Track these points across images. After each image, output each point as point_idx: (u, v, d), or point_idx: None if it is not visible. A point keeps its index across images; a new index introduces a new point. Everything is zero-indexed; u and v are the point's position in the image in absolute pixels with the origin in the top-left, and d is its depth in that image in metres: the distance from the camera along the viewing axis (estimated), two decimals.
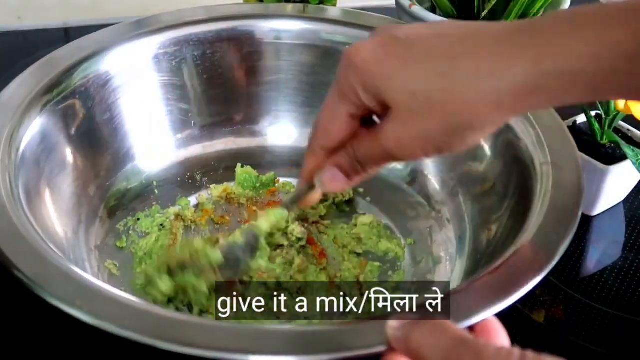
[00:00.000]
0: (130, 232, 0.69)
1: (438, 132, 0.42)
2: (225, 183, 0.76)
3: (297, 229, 0.68)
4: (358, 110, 0.45)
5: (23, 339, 0.60)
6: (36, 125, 0.61)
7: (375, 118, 0.47)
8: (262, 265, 0.61)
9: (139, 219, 0.70)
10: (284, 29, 0.76)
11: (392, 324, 0.40)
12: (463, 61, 0.41)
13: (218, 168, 0.77)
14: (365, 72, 0.43)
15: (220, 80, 0.77)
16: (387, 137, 0.44)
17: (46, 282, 0.45)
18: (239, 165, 0.76)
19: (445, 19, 0.83)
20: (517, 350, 0.34)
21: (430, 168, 0.73)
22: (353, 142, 0.47)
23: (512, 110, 0.42)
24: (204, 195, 0.75)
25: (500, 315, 0.44)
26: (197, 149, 0.77)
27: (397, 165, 0.75)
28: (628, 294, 0.68)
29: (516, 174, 0.63)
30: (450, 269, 0.65)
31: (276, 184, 0.77)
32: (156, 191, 0.73)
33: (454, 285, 0.61)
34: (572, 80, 0.39)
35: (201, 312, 0.59)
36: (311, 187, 0.52)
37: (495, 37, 0.41)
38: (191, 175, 0.76)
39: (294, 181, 0.76)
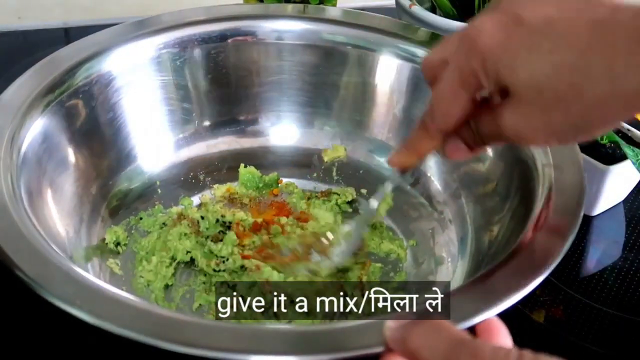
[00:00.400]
0: (133, 232, 0.70)
1: (562, 127, 0.41)
2: (229, 183, 0.76)
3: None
4: (478, 93, 0.45)
5: (24, 339, 0.60)
6: (38, 126, 0.61)
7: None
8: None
9: (141, 218, 0.71)
10: (285, 29, 0.77)
11: (390, 324, 0.40)
12: (595, 56, 0.38)
13: (221, 168, 0.78)
14: (489, 57, 0.42)
15: (223, 81, 0.77)
16: (507, 126, 0.43)
17: (47, 282, 0.45)
18: (242, 165, 0.76)
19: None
20: (515, 350, 0.34)
21: (433, 169, 0.73)
22: (474, 118, 0.46)
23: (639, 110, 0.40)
24: (206, 195, 0.75)
25: (500, 315, 0.45)
26: (199, 149, 0.78)
27: None
28: (628, 294, 0.68)
29: (518, 174, 0.63)
30: (452, 269, 0.65)
31: (279, 185, 0.77)
32: (159, 190, 0.74)
33: (454, 285, 0.62)
34: None
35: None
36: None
37: (630, 31, 0.38)
38: (194, 175, 0.76)
39: (297, 182, 0.77)
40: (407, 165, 0.53)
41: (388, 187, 0.57)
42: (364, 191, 0.76)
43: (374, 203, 0.59)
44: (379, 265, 0.68)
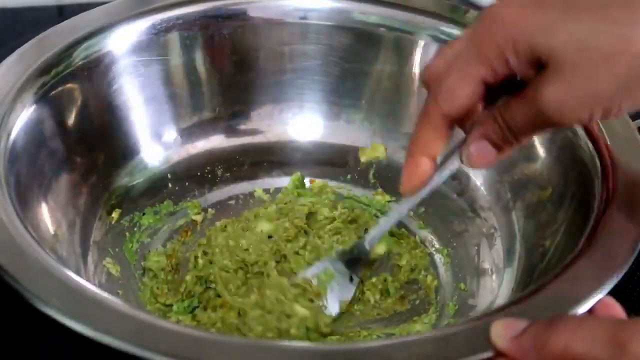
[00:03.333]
0: (135, 229, 0.72)
1: (610, 90, 0.42)
2: None
3: None
4: (493, 75, 0.45)
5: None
6: (29, 111, 0.63)
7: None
8: None
9: (144, 214, 0.73)
10: (311, 7, 0.78)
11: (503, 332, 0.40)
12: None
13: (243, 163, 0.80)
14: (517, 27, 0.43)
15: (238, 65, 0.78)
16: (546, 100, 0.43)
17: (22, 276, 0.47)
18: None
19: None
20: None
21: (482, 177, 0.74)
22: (500, 110, 0.46)
23: None
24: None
25: None
26: (215, 141, 0.79)
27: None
28: None
29: (575, 179, 0.64)
30: (497, 283, 0.66)
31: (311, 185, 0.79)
32: (169, 185, 0.76)
33: (501, 300, 0.63)
34: None
35: None
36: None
37: None
38: (211, 170, 0.78)
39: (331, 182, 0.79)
40: (419, 181, 0.51)
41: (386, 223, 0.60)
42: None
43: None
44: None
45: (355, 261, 0.66)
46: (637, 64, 0.41)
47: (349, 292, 0.66)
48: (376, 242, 0.65)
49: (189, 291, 0.67)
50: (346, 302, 0.66)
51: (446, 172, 0.52)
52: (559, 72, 0.42)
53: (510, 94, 0.46)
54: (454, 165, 0.51)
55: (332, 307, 0.65)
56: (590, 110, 0.43)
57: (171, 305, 0.66)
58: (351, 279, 0.66)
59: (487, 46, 0.44)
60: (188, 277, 0.67)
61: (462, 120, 0.49)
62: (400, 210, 0.59)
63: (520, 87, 0.45)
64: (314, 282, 0.64)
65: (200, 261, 0.68)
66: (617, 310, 0.44)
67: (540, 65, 0.43)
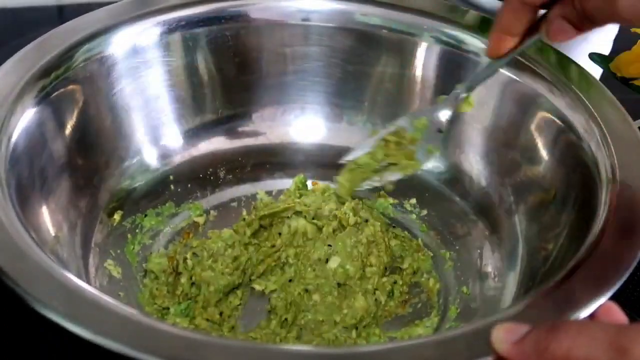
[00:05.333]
0: (137, 231, 0.72)
1: None
2: None
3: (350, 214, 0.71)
4: None
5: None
6: (30, 113, 0.63)
7: None
8: None
9: (146, 215, 0.74)
10: (312, 9, 0.78)
11: (507, 337, 0.40)
12: None
13: (245, 165, 0.80)
14: None
15: (241, 66, 0.79)
16: (622, 4, 0.45)
17: (23, 279, 0.47)
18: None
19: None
20: None
21: (483, 178, 0.75)
22: None
23: None
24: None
25: None
26: (218, 143, 0.80)
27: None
28: None
29: (578, 181, 0.64)
30: (500, 286, 0.67)
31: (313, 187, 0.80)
32: (171, 187, 0.76)
33: (504, 304, 0.63)
34: None
35: None
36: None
37: None
38: (213, 172, 0.79)
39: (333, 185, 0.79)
40: (503, 51, 0.55)
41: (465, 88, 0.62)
42: (405, 200, 0.78)
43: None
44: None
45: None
46: None
47: (437, 141, 0.67)
48: (471, 91, 0.65)
49: (185, 294, 0.67)
50: (436, 150, 0.67)
51: (529, 43, 0.55)
52: None
53: None
54: (536, 36, 0.54)
55: (422, 155, 0.67)
56: None
57: (169, 308, 0.67)
58: (440, 131, 0.67)
59: None
60: (183, 280, 0.68)
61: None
62: (495, 64, 0.61)
63: None
64: (409, 129, 0.66)
65: (189, 262, 0.68)
66: (619, 315, 0.44)
67: None
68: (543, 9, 0.53)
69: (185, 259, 0.68)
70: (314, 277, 0.67)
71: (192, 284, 0.67)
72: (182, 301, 0.67)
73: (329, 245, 0.68)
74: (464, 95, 0.64)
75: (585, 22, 0.49)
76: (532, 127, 0.70)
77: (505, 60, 0.59)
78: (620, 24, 0.49)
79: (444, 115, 0.66)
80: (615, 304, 0.44)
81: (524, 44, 0.55)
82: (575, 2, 0.49)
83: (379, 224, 0.71)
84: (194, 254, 0.69)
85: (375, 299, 0.67)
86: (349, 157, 0.70)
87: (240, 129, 0.80)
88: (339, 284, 0.67)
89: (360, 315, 0.65)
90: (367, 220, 0.70)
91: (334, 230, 0.70)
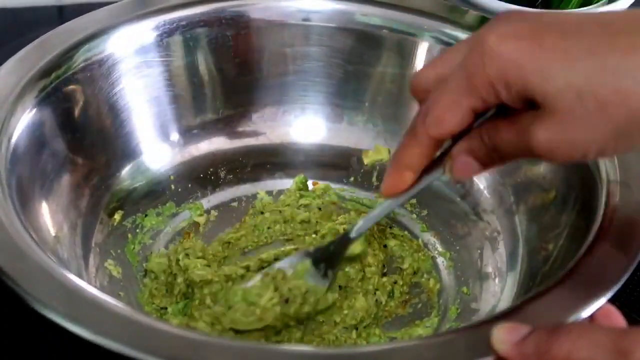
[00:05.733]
0: (137, 231, 0.72)
1: (604, 138, 0.41)
2: None
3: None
4: (484, 105, 0.44)
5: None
6: (30, 114, 0.63)
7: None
8: None
9: (146, 215, 0.74)
10: (313, 9, 0.78)
11: (508, 338, 0.41)
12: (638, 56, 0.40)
13: (245, 165, 0.80)
14: (512, 65, 0.42)
15: (241, 66, 0.79)
16: (537, 140, 0.42)
17: (22, 278, 0.48)
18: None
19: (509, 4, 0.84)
20: None
21: (484, 179, 0.75)
22: (488, 131, 0.46)
23: None
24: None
25: None
26: (218, 143, 0.80)
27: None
28: None
29: (578, 181, 0.64)
30: (499, 287, 0.67)
31: (314, 187, 0.80)
32: (172, 187, 0.77)
33: (503, 305, 0.64)
34: None
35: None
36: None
37: None
38: (214, 172, 0.79)
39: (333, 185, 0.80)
40: (400, 189, 0.51)
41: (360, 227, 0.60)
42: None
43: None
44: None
45: (334, 255, 0.64)
46: (634, 114, 0.40)
47: (323, 285, 0.64)
48: (362, 233, 0.62)
49: (183, 293, 0.67)
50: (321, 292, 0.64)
51: (429, 180, 0.51)
52: (552, 116, 0.41)
53: (497, 114, 0.46)
54: (437, 173, 0.51)
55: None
56: (584, 152, 0.42)
57: (167, 308, 0.67)
58: (325, 275, 0.64)
59: (479, 79, 0.43)
60: (180, 279, 0.68)
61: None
62: (388, 205, 0.57)
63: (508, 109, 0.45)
64: (289, 272, 0.63)
65: (181, 263, 0.68)
66: (618, 318, 0.44)
67: (532, 102, 0.42)
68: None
69: (177, 260, 0.68)
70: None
71: (188, 285, 0.67)
72: (179, 301, 0.67)
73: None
74: (354, 237, 0.62)
75: (494, 158, 0.46)
76: None
77: (400, 200, 0.55)
78: (533, 158, 0.46)
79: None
80: (614, 307, 0.44)
81: (422, 182, 0.51)
82: (484, 137, 0.46)
83: None
84: (186, 254, 0.69)
85: (376, 300, 0.67)
86: None
87: (240, 129, 0.80)
88: (340, 287, 0.67)
89: (361, 315, 0.65)
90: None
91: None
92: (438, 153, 0.50)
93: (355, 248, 0.66)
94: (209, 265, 0.68)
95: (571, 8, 0.89)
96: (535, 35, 0.42)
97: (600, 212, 0.57)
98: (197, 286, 0.66)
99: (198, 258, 0.68)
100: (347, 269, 0.67)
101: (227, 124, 0.80)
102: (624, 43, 0.40)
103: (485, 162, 0.47)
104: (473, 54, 0.43)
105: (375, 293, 0.68)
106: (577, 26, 0.42)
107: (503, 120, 0.45)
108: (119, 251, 0.70)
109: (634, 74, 0.39)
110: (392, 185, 0.51)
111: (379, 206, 0.58)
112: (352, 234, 0.61)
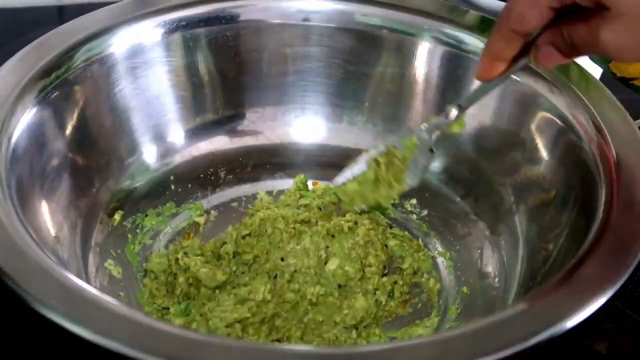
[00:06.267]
0: (137, 231, 0.73)
1: None
2: None
3: None
4: (560, 2, 0.49)
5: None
6: (30, 114, 0.63)
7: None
8: None
9: (147, 215, 0.74)
10: (313, 9, 0.78)
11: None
12: None
13: (245, 165, 0.81)
14: None
15: (241, 66, 0.79)
16: (606, 41, 0.47)
17: (22, 278, 0.48)
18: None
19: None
20: None
21: (484, 178, 0.75)
22: (567, 26, 0.50)
23: None
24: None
25: (558, 344, 0.46)
26: (218, 143, 0.80)
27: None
28: None
29: (578, 181, 0.64)
30: (500, 286, 0.67)
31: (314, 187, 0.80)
32: (172, 187, 0.77)
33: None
34: None
35: None
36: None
37: None
38: (214, 172, 0.79)
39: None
40: (494, 75, 0.57)
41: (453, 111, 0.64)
42: (406, 201, 0.78)
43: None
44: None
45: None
46: None
47: (427, 161, 0.68)
48: (470, 104, 0.65)
49: (185, 293, 0.67)
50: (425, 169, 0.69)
51: (518, 66, 0.57)
52: (619, 19, 0.46)
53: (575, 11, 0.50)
54: (524, 60, 0.56)
55: (412, 175, 0.69)
56: None
57: (168, 308, 0.67)
58: (431, 151, 0.68)
59: None
60: (181, 279, 0.68)
61: None
62: (487, 86, 0.62)
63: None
64: (400, 149, 0.68)
65: (181, 262, 0.68)
66: None
67: (602, 5, 0.46)
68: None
69: (177, 260, 0.69)
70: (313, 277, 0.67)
71: (190, 284, 0.67)
72: (181, 301, 0.67)
73: (327, 247, 0.68)
74: (455, 115, 0.65)
75: (572, 51, 0.51)
76: (532, 127, 0.71)
77: (495, 84, 0.60)
78: (605, 57, 0.51)
79: (435, 135, 0.67)
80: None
81: (513, 68, 0.57)
82: (564, 32, 0.50)
83: (368, 222, 0.71)
84: (185, 253, 0.69)
85: (376, 300, 0.67)
86: (339, 179, 0.72)
87: (240, 129, 0.81)
88: (339, 285, 0.67)
89: (361, 315, 0.65)
90: (356, 223, 0.70)
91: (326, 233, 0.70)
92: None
93: (458, 128, 0.67)
94: (208, 262, 0.68)
95: None
96: None
97: (600, 212, 0.57)
98: (202, 285, 0.66)
99: (197, 256, 0.68)
100: (347, 268, 0.67)
101: (227, 124, 0.80)
102: None
103: (566, 53, 0.52)
104: None
105: (375, 293, 0.68)
106: None
107: (580, 21, 0.49)
108: (119, 251, 0.70)
109: None
110: (486, 72, 0.58)
111: (477, 88, 0.63)
112: (453, 113, 0.65)
